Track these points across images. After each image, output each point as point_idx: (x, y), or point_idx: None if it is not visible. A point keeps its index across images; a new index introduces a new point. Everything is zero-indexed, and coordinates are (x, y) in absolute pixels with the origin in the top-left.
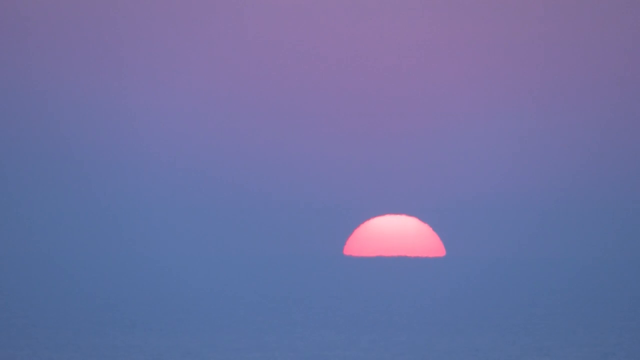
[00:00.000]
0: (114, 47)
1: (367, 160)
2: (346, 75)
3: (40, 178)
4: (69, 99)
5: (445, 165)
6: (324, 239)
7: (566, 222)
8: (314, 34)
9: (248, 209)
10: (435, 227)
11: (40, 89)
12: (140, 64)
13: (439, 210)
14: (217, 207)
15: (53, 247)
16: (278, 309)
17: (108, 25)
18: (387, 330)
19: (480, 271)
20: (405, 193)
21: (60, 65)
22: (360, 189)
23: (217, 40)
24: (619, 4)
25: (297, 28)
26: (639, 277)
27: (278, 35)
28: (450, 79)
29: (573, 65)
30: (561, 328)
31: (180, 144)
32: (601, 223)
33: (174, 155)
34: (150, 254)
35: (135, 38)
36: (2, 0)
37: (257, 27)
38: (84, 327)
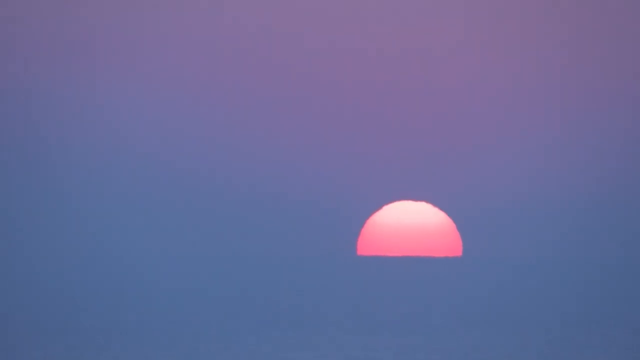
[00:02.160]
0: (110, 44)
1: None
2: (362, 72)
3: (27, 177)
4: (61, 97)
5: (476, 160)
6: (337, 236)
7: (593, 225)
8: (324, 24)
9: (249, 211)
10: (457, 223)
11: (24, 86)
12: (138, 61)
13: (462, 204)
14: (215, 209)
15: (48, 249)
16: (298, 315)
17: (104, 22)
18: (408, 336)
19: (497, 274)
20: (427, 182)
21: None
22: (377, 178)
23: (217, 37)
24: None
25: (301, 23)
26: None
27: (280, 31)
28: (489, 77)
29: (609, 72)
30: (585, 333)
31: (183, 143)
32: (630, 226)
33: (176, 155)
34: (156, 258)
35: (133, 36)
36: None
37: (256, 24)
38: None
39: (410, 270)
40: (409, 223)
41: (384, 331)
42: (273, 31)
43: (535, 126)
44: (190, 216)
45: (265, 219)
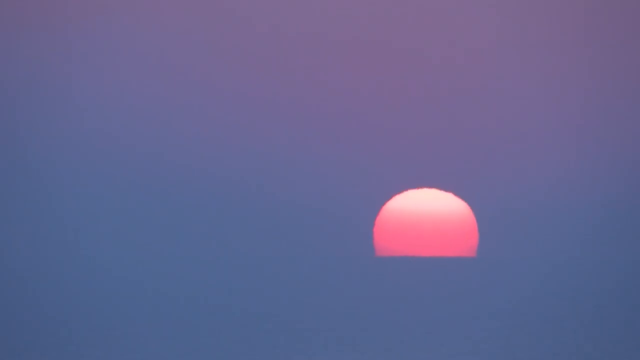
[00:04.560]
0: (108, 42)
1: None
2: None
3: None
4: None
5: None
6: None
7: (620, 230)
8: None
9: (255, 211)
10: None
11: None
12: (137, 59)
13: (485, 199)
14: (229, 212)
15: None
16: (311, 317)
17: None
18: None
19: (515, 276)
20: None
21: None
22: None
23: (218, 36)
24: None
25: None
26: None
27: (284, 27)
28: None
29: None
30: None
31: (192, 144)
32: None
33: (185, 159)
34: (171, 261)
35: (132, 34)
36: None
37: (257, 21)
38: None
39: (428, 272)
40: (428, 215)
41: (396, 334)
42: (286, 30)
43: (569, 129)
44: (202, 220)
45: (274, 222)
